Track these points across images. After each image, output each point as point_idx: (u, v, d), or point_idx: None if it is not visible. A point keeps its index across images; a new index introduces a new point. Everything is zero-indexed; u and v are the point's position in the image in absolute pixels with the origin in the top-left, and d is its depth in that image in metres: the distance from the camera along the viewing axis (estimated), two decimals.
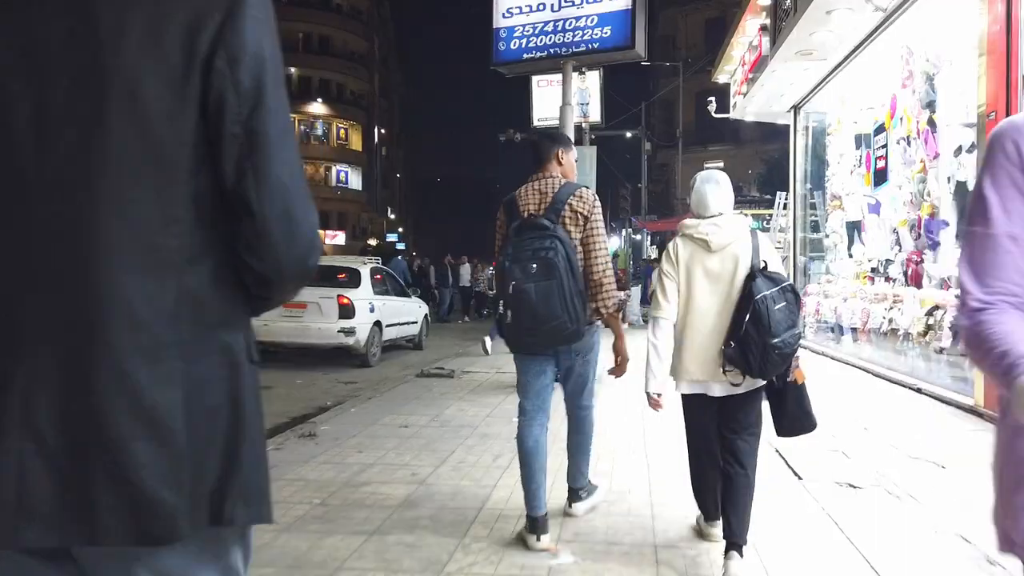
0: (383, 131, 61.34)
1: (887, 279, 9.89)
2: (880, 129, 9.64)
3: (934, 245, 8.34)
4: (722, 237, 3.00)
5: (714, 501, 3.21)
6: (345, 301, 9.85)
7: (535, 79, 17.95)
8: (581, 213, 3.27)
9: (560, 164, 3.44)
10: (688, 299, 3.04)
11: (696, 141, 37.24)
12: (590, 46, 7.84)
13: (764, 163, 28.00)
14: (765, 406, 3.11)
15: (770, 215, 21.18)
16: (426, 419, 6.37)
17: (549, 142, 3.51)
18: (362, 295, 10.29)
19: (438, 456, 5.05)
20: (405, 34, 60.50)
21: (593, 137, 18.45)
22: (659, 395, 3.12)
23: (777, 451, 4.91)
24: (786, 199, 13.21)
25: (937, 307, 7.75)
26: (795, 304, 2.91)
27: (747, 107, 13.00)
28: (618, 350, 3.49)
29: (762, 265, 2.94)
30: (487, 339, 10.83)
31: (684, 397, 3.17)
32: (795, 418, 3.04)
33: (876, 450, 5.22)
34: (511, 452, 4.35)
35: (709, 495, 3.25)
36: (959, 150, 7.95)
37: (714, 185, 3.14)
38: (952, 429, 5.92)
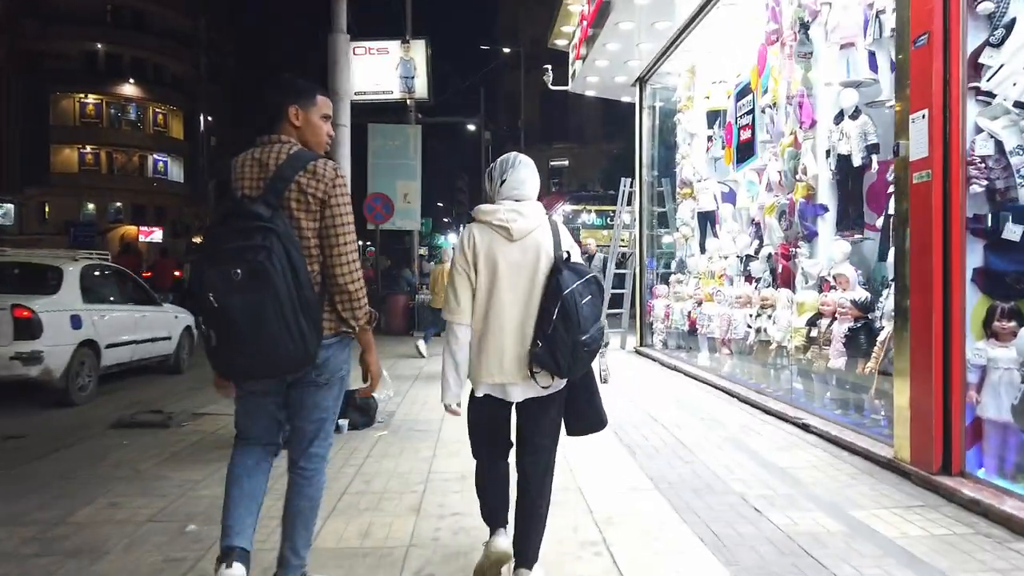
0: (210, 119, 56.09)
1: (749, 279, 8.20)
2: (745, 91, 7.85)
3: (810, 235, 6.63)
4: (524, 224, 2.77)
5: (504, 508, 2.98)
6: (25, 314, 6.78)
7: (352, 46, 15.31)
8: (314, 195, 2.57)
9: (295, 126, 2.68)
10: (488, 295, 2.77)
11: (541, 139, 36.37)
12: None
13: (608, 158, 26.96)
14: None
15: (614, 211, 19.82)
16: (35, 529, 3.64)
17: (276, 93, 2.70)
18: (59, 305, 7.24)
19: None
20: (239, 12, 55.59)
21: (420, 117, 16.03)
22: (459, 404, 2.87)
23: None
24: (631, 186, 11.43)
25: (820, 315, 5.99)
26: (599, 297, 2.76)
27: (587, 77, 11.11)
28: (367, 364, 2.81)
29: (565, 256, 2.75)
30: (420, 342, 10.85)
31: (476, 400, 2.88)
32: (584, 416, 2.93)
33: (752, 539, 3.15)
34: None
35: (499, 502, 2.98)
36: (840, 116, 6.27)
37: (531, 170, 2.91)
38: (869, 504, 4.01)
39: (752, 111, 7.17)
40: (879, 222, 5.91)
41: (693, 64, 9.96)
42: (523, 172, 2.85)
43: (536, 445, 2.83)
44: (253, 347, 2.37)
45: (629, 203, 11.61)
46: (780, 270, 7.06)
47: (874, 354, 5.17)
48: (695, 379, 8.31)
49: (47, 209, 41.07)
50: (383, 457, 5.01)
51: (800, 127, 6.74)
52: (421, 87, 15.60)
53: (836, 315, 5.65)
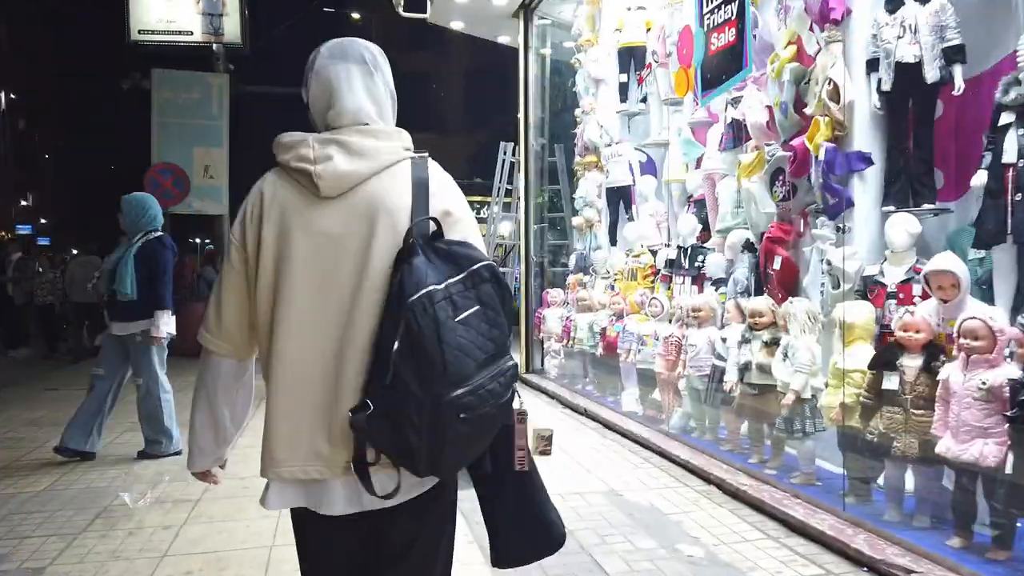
0: (12, 96, 47.95)
1: (699, 280, 5.44)
2: None
3: (838, 206, 3.89)
4: (348, 168, 1.41)
5: None
6: None
7: None
8: None
9: None
10: (277, 303, 1.43)
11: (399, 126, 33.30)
12: None
13: (475, 147, 24.18)
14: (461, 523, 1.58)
15: (484, 201, 16.85)
16: None
17: None
18: None
19: None
20: None
21: (232, 68, 12.25)
22: (223, 465, 1.64)
23: None
24: (514, 155, 8.45)
25: (896, 349, 3.21)
26: (497, 305, 1.38)
27: None
28: None
29: (431, 229, 1.41)
30: None
31: (292, 515, 1.54)
32: (524, 532, 1.54)
33: None
34: None
35: None
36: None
37: (363, 67, 1.52)
38: None
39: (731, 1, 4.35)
40: (978, 181, 3.24)
41: None
42: (353, 71, 1.50)
43: None
44: None
45: (511, 180, 8.62)
46: (778, 266, 4.27)
47: None
48: (621, 434, 5.40)
49: None
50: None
51: (821, 23, 3.98)
52: (232, 29, 11.79)
53: (960, 354, 2.87)
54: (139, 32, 11.65)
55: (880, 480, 3.52)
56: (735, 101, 5.10)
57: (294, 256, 1.40)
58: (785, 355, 3.82)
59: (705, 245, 5.57)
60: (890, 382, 3.16)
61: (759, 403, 4.13)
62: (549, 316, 7.71)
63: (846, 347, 3.47)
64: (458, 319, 1.31)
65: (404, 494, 1.38)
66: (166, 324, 4.61)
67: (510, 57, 8.75)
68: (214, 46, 11.77)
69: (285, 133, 1.47)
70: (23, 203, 50.60)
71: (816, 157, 3.96)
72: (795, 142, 4.17)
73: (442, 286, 1.32)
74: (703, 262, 5.42)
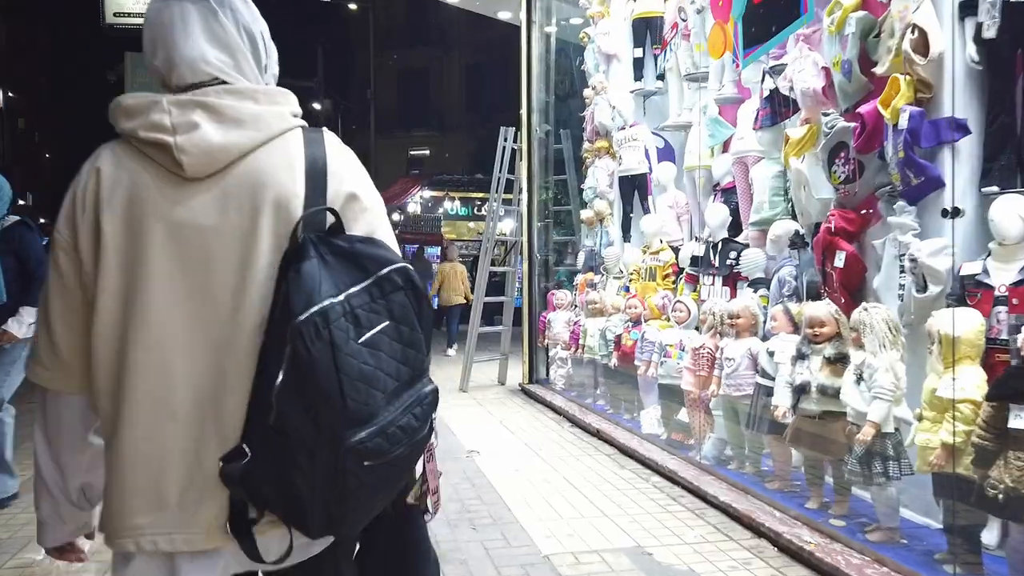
0: (11, 94, 47.46)
1: (730, 280, 4.68)
2: None
3: (923, 188, 3.07)
4: (224, 138, 1.15)
5: None
6: None
7: None
8: None
9: None
10: (127, 321, 1.15)
11: (398, 126, 33.03)
12: None
13: (479, 140, 23.59)
14: None
15: (482, 199, 16.08)
16: None
17: None
18: None
19: None
20: None
21: None
22: (90, 534, 1.33)
23: None
24: (516, 141, 7.62)
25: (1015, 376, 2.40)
26: (413, 319, 1.15)
27: None
28: None
29: (328, 223, 1.16)
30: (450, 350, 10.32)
31: None
32: None
33: None
34: None
35: None
36: None
37: (202, 4, 1.22)
38: None
39: None
40: None
41: None
42: (188, 9, 1.21)
43: None
44: None
45: (512, 169, 7.80)
46: (841, 264, 3.45)
47: None
48: (641, 462, 4.59)
49: None
50: None
51: None
52: None
53: None
54: (114, 15, 10.84)
55: (991, 540, 2.71)
56: (775, 70, 4.31)
57: (150, 258, 1.14)
58: (860, 377, 3.00)
59: (737, 240, 4.78)
60: (1020, 420, 2.34)
61: (820, 433, 3.31)
62: (555, 320, 6.92)
63: (948, 369, 2.65)
64: (362, 340, 1.09)
65: (299, 554, 1.19)
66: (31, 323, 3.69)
67: (513, 48, 7.95)
68: None
69: (127, 94, 1.20)
70: (20, 202, 50.13)
71: (894, 126, 3.14)
72: (863, 108, 3.36)
73: (341, 298, 1.08)
74: (736, 259, 4.62)
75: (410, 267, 1.17)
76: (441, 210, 19.21)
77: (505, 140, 7.62)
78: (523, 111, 7.66)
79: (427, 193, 19.29)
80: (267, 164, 1.16)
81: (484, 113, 27.74)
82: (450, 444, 5.14)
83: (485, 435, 5.44)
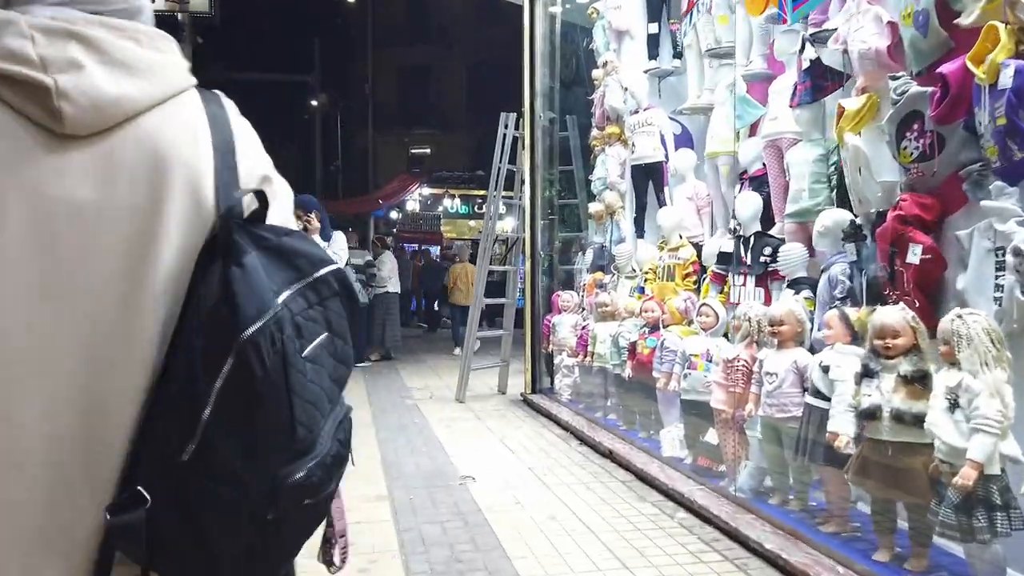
0: None
1: (763, 280, 4.07)
2: None
3: None
4: (116, 88, 0.84)
5: None
6: None
7: None
8: None
9: None
10: None
11: (399, 123, 32.81)
12: None
13: (476, 142, 23.14)
14: None
15: (483, 196, 15.44)
16: None
17: None
18: None
19: None
20: None
21: (200, 40, 10.94)
22: None
23: None
24: (519, 129, 6.99)
25: None
26: (345, 331, 0.95)
27: None
28: None
29: (247, 209, 0.89)
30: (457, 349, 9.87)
31: None
32: None
33: None
34: None
35: None
36: None
37: None
38: None
39: None
40: None
41: None
42: None
43: None
44: None
45: (513, 159, 7.17)
46: (916, 259, 2.81)
47: None
48: (664, 493, 3.95)
49: None
50: None
51: None
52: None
53: None
54: None
55: None
56: (815, 38, 3.71)
57: (6, 239, 0.84)
58: (954, 403, 2.36)
59: (771, 234, 4.17)
60: None
61: (894, 468, 2.67)
62: (560, 324, 6.30)
63: None
64: (305, 354, 0.91)
65: None
66: None
67: (515, 48, 7.32)
68: (178, 15, 10.42)
69: None
70: None
71: (991, 86, 2.50)
72: (945, 68, 2.72)
73: (280, 301, 0.89)
74: (772, 256, 4.00)
75: (343, 269, 1.01)
76: (440, 208, 18.60)
77: (506, 127, 7.00)
78: (526, 95, 7.02)
79: (427, 190, 18.67)
80: (167, 129, 0.91)
81: (485, 109, 27.32)
82: (442, 467, 4.51)
83: (482, 456, 4.80)
